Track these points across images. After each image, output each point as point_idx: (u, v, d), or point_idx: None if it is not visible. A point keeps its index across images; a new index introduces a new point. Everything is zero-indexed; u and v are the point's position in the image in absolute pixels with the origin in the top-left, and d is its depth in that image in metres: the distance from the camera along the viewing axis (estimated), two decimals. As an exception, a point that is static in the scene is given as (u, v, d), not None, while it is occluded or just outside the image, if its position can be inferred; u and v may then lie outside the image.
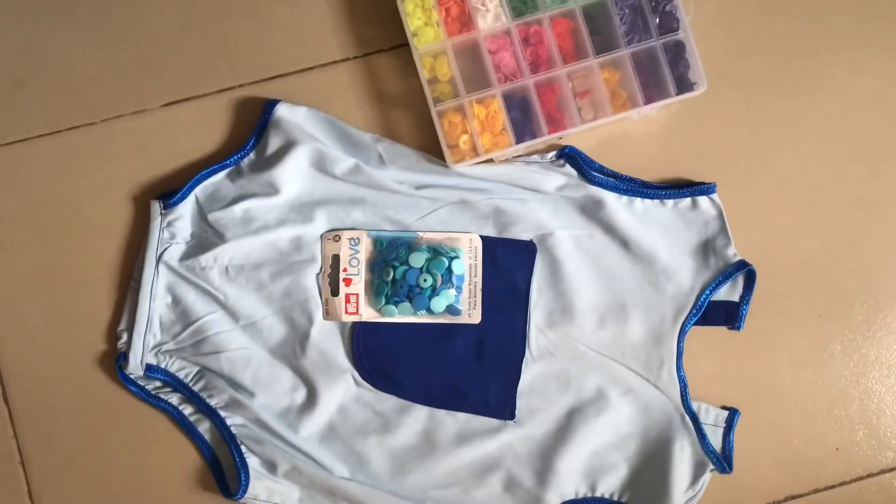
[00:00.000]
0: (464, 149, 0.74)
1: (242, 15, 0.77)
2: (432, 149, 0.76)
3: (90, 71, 0.77)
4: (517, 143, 0.74)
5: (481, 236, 0.75)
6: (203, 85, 0.77)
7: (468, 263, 0.75)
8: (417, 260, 0.74)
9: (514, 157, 0.76)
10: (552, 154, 0.77)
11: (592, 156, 0.77)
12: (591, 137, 0.77)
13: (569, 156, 0.76)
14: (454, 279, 0.74)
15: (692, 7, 0.75)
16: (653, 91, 0.75)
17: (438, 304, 0.74)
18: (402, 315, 0.74)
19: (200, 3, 0.77)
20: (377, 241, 0.75)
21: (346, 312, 0.74)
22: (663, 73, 0.74)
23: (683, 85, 0.74)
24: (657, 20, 0.74)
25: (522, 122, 0.75)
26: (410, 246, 0.74)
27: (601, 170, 0.77)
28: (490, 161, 0.75)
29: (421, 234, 0.75)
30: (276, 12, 0.77)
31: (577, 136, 0.77)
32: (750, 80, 0.78)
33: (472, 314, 0.75)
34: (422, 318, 0.75)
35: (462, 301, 0.75)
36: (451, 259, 0.74)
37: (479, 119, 0.74)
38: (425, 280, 0.73)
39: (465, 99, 0.73)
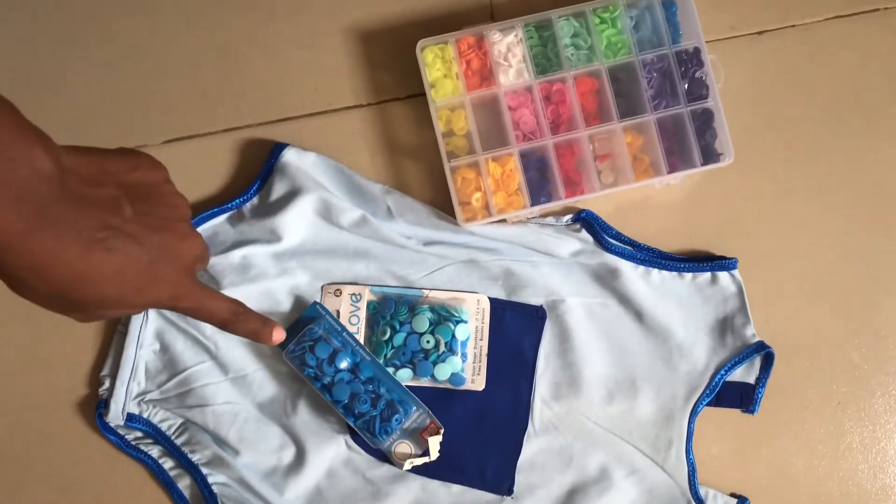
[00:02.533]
0: (476, 207, 0.71)
1: (254, 55, 0.74)
2: (443, 205, 0.72)
3: (92, 101, 0.74)
4: (532, 205, 0.71)
5: (490, 298, 0.72)
6: (208, 123, 0.74)
7: (474, 326, 0.71)
8: (421, 324, 0.70)
9: (528, 218, 0.73)
10: (568, 217, 0.74)
11: (609, 221, 0.74)
12: (609, 201, 0.74)
13: (585, 220, 0.73)
14: (459, 346, 0.70)
15: (722, 75, 0.72)
16: (677, 159, 0.72)
17: (443, 372, 0.70)
18: (401, 380, 0.70)
19: (212, 40, 0.74)
20: (370, 305, 0.71)
21: (343, 372, 0.70)
22: (689, 141, 0.71)
23: (710, 155, 0.72)
24: (686, 86, 0.72)
25: (539, 184, 0.72)
26: (413, 306, 0.71)
27: (618, 237, 0.74)
28: (503, 221, 0.72)
29: (426, 291, 0.72)
30: (289, 54, 0.74)
31: (595, 199, 0.74)
32: (777, 153, 0.75)
33: (475, 380, 0.71)
34: (422, 383, 0.71)
35: (466, 367, 0.71)
36: (456, 324, 0.70)
37: (493, 177, 0.71)
38: (428, 342, 0.70)
39: (481, 156, 0.70)
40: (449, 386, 0.71)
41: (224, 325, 0.47)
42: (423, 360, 0.70)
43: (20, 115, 0.38)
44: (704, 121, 0.72)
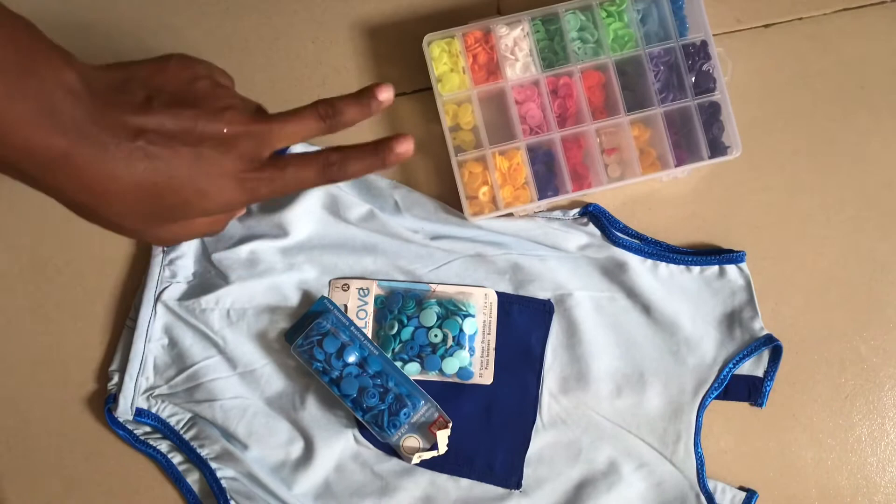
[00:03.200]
0: (483, 201, 0.71)
1: (261, 48, 0.74)
2: (450, 199, 0.72)
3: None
4: (539, 198, 0.71)
5: (497, 292, 0.72)
6: (216, 118, 0.74)
7: (482, 320, 0.71)
8: (429, 318, 0.70)
9: (535, 212, 0.73)
10: (575, 211, 0.73)
11: (616, 214, 0.73)
12: (616, 195, 0.74)
13: (592, 214, 0.73)
14: (466, 339, 0.70)
15: (729, 68, 0.72)
16: (684, 152, 0.72)
17: (450, 366, 0.70)
18: (409, 374, 0.70)
19: (218, 34, 0.74)
20: (377, 299, 0.71)
21: (351, 366, 0.70)
22: (697, 134, 0.71)
23: (717, 148, 0.71)
24: (693, 79, 0.72)
25: (546, 177, 0.72)
26: (420, 300, 0.71)
27: (625, 230, 0.74)
28: (510, 215, 0.72)
29: (433, 286, 0.72)
30: (296, 47, 0.74)
31: (602, 193, 0.73)
32: (785, 146, 0.75)
33: (483, 374, 0.71)
34: (430, 377, 0.71)
35: (474, 361, 0.71)
36: (463, 318, 0.70)
37: (500, 171, 0.71)
38: (436, 336, 0.70)
39: (488, 150, 0.70)
40: (457, 380, 0.71)
41: (325, 183, 0.44)
42: (430, 354, 0.70)
43: (39, 32, 0.37)
44: (712, 114, 0.72)
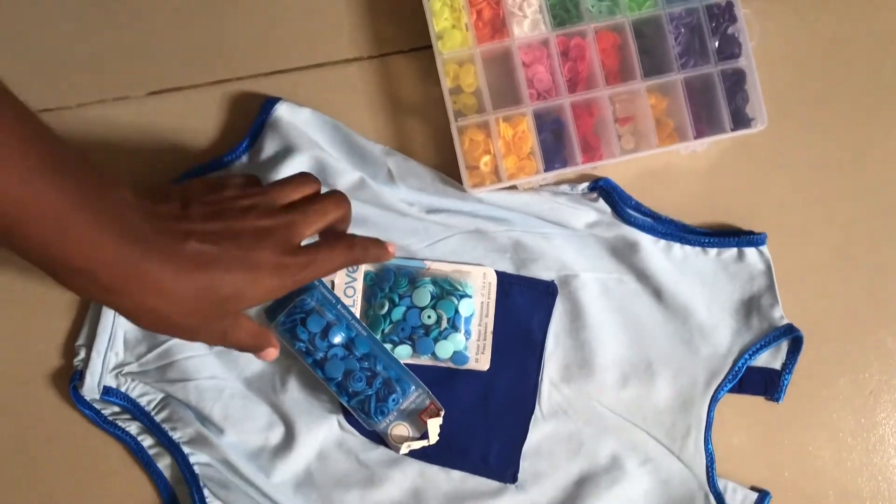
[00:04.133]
0: (484, 171, 0.65)
1: (248, 1, 0.68)
2: (449, 169, 0.67)
3: (68, 48, 0.68)
4: (546, 170, 0.65)
5: (497, 271, 0.67)
6: (196, 75, 0.68)
7: (480, 301, 0.66)
8: (422, 298, 0.65)
9: (540, 185, 0.67)
10: (584, 185, 0.68)
11: (628, 190, 0.68)
12: (629, 169, 0.68)
13: (603, 189, 0.68)
14: (462, 322, 0.65)
15: (757, 31, 0.66)
16: (704, 124, 0.66)
17: (444, 349, 0.65)
18: (400, 357, 0.65)
19: (200, -18, 0.68)
20: (367, 276, 0.66)
21: (336, 347, 0.65)
22: (719, 104, 0.65)
23: (740, 120, 0.66)
24: (716, 44, 0.66)
25: (553, 147, 0.66)
26: (413, 278, 0.65)
27: (638, 208, 0.68)
28: (513, 188, 0.66)
29: (428, 263, 0.66)
30: (285, 1, 0.68)
31: (615, 166, 0.68)
32: (814, 121, 0.69)
33: (479, 359, 0.66)
34: (422, 361, 0.66)
35: (470, 345, 0.66)
36: (459, 298, 0.65)
37: (504, 139, 0.65)
38: (429, 317, 0.65)
39: (491, 115, 0.64)
40: (451, 365, 0.66)
41: (352, 264, 0.54)
42: (423, 336, 0.65)
43: (91, 158, 0.43)
44: (735, 82, 0.66)
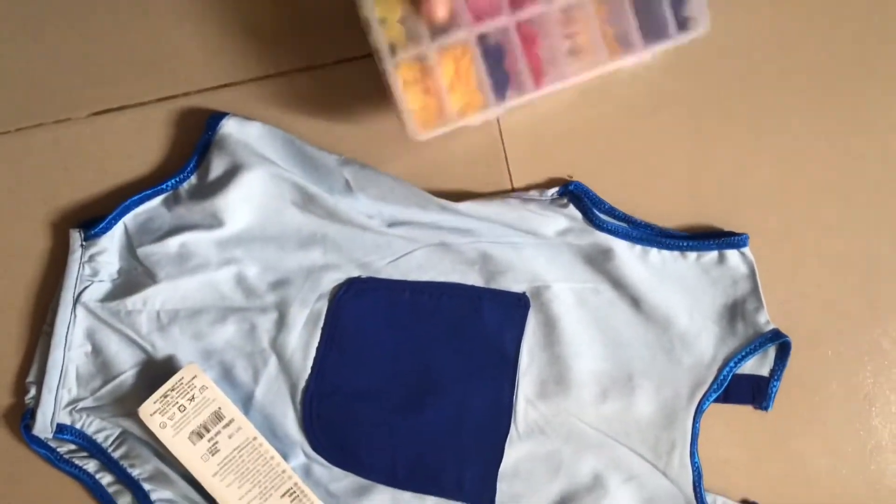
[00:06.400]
0: (427, 114, 0.58)
1: (193, 14, 0.65)
2: (409, 173, 0.64)
3: (3, 69, 0.65)
4: (496, 101, 0.58)
5: (465, 286, 0.64)
6: (141, 92, 0.65)
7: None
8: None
9: (509, 196, 0.64)
10: (554, 191, 0.65)
11: (602, 195, 0.65)
12: (602, 173, 0.65)
13: (573, 194, 0.65)
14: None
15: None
16: (647, 31, 0.59)
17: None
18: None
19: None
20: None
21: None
22: (661, 6, 0.58)
23: (683, 24, 0.58)
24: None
25: (500, 75, 0.59)
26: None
27: (611, 212, 0.65)
28: (464, 127, 0.59)
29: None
30: (230, 12, 0.65)
31: (585, 170, 0.65)
32: (797, 112, 0.66)
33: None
34: (388, 384, 0.63)
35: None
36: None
37: (446, 73, 0.58)
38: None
39: (430, 46, 0.57)
40: (419, 387, 0.63)
41: None
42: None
43: None
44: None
